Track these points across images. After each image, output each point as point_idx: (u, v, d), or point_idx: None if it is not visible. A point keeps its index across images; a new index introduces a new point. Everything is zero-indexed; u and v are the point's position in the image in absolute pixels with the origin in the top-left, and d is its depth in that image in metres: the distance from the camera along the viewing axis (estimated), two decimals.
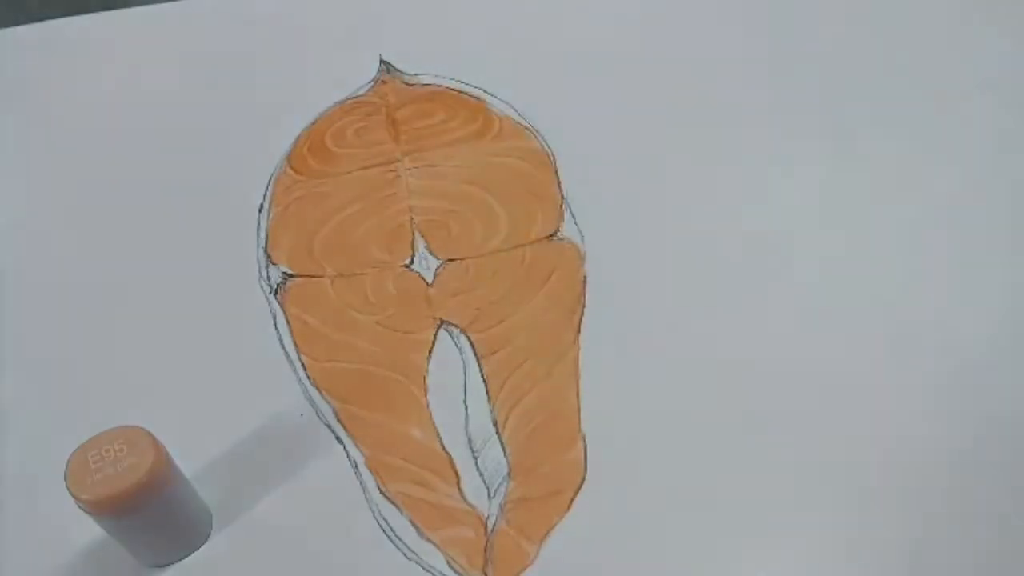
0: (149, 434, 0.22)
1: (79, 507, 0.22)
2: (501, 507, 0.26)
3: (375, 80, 0.35)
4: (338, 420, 0.28)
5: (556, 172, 0.33)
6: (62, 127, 0.35)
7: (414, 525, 0.26)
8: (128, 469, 0.22)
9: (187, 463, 0.25)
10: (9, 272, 0.32)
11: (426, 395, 0.28)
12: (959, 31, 0.37)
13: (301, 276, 0.31)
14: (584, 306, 0.30)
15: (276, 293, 0.31)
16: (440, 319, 0.30)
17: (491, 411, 0.28)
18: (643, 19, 0.38)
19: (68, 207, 0.33)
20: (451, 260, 0.31)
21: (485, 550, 0.26)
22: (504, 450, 0.27)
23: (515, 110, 0.34)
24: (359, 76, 0.36)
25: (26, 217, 0.33)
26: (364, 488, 0.27)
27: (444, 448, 0.27)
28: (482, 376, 0.29)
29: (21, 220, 0.33)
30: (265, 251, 0.31)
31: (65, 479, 0.22)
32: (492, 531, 0.26)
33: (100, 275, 0.31)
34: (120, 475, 0.21)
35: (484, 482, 0.27)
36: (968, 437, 0.26)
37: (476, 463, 0.27)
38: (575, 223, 0.31)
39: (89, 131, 0.35)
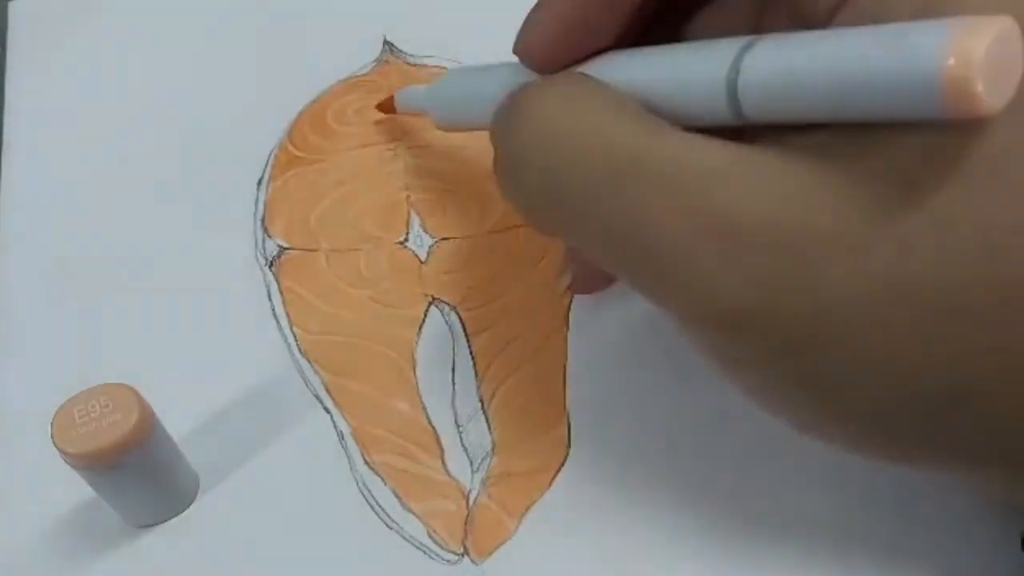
0: (134, 391, 0.23)
1: (66, 462, 0.23)
2: (483, 482, 0.27)
3: (378, 60, 0.36)
4: (326, 391, 0.28)
5: None
6: (60, 95, 0.36)
7: (397, 496, 0.27)
8: (113, 424, 0.22)
9: (176, 427, 0.26)
10: (3, 234, 0.32)
11: (414, 370, 0.29)
12: None
13: (296, 249, 0.31)
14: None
15: (271, 265, 0.31)
16: (432, 296, 0.30)
17: (478, 388, 0.28)
18: None
19: (67, 172, 0.33)
20: (445, 239, 0.31)
21: (465, 523, 0.26)
22: (489, 426, 0.28)
23: None
24: (362, 56, 0.36)
25: (24, 182, 0.33)
26: (349, 458, 0.27)
27: (430, 422, 0.28)
28: (471, 353, 0.29)
29: (20, 185, 0.33)
30: (262, 224, 0.32)
31: (51, 433, 0.22)
32: (473, 504, 0.26)
33: (97, 239, 0.32)
34: (105, 429, 0.22)
35: (468, 457, 0.27)
36: None
37: (461, 438, 0.28)
38: None
39: (89, 102, 0.35)
